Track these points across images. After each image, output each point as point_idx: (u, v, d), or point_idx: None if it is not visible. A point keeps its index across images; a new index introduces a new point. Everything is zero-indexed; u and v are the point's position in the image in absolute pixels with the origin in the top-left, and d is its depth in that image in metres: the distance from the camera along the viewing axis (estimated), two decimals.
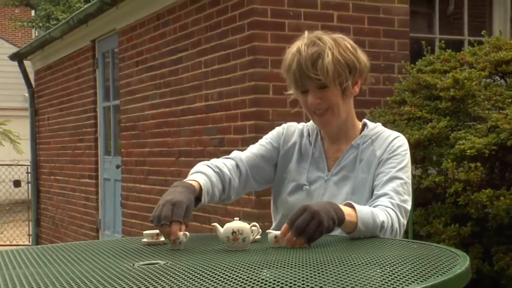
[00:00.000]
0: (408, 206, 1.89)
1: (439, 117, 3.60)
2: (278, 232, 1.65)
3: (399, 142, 1.95)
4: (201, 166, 1.99)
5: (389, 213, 1.82)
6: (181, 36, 5.27)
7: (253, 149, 2.07)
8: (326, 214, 1.62)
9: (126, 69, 6.34)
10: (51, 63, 8.72)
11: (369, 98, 4.38)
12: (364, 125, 2.03)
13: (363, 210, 1.76)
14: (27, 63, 9.54)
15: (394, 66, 4.54)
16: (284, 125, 2.11)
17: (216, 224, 1.73)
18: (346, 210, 1.73)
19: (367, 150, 1.95)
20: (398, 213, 1.84)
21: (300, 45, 1.88)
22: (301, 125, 2.10)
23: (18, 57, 9.45)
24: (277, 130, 2.10)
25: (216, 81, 4.76)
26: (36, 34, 16.90)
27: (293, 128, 2.09)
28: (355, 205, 1.75)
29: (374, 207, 1.84)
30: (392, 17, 4.61)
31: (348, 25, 4.45)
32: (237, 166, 2.01)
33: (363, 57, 1.93)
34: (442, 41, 4.29)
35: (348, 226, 1.73)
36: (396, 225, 1.82)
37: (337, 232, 1.84)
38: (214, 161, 2.01)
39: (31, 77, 9.53)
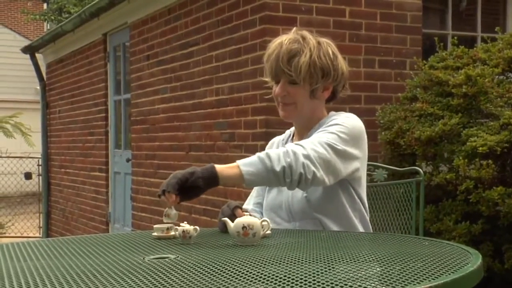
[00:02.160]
0: (325, 139, 1.83)
1: (451, 114, 3.58)
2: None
3: (343, 114, 1.98)
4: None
5: (282, 150, 1.78)
6: (192, 30, 5.26)
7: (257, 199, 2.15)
8: (182, 170, 1.72)
9: (137, 63, 6.35)
10: (63, 56, 8.75)
11: (381, 94, 4.37)
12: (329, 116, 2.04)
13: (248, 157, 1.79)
14: (38, 56, 9.58)
15: (406, 62, 4.52)
16: (268, 145, 2.18)
17: (226, 218, 1.73)
18: (224, 165, 1.76)
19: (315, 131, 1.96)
20: (301, 143, 1.81)
21: (284, 39, 1.96)
22: (287, 131, 2.16)
23: (30, 50, 9.48)
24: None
25: (227, 75, 4.75)
26: (48, 27, 16.95)
27: (275, 142, 2.16)
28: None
29: None
30: (404, 12, 4.58)
31: (360, 21, 4.43)
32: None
33: (342, 65, 1.98)
34: (455, 38, 4.26)
35: (230, 174, 1.73)
36: (292, 147, 1.78)
37: (309, 226, 1.88)
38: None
39: (43, 70, 9.57)
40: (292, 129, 2.14)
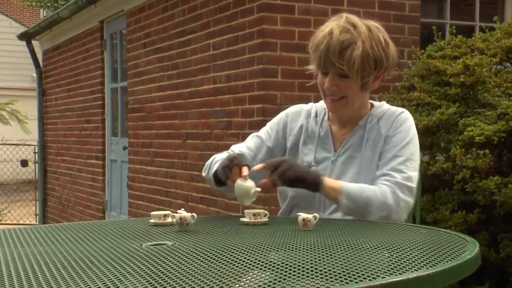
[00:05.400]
0: (412, 183, 1.86)
1: (448, 103, 3.58)
2: (307, 215, 1.65)
3: (403, 117, 1.94)
4: (219, 156, 2.03)
5: (382, 189, 1.82)
6: (189, 18, 5.24)
7: (251, 145, 2.06)
8: (298, 164, 1.83)
9: (134, 51, 6.33)
10: (59, 43, 8.71)
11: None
12: (372, 106, 2.02)
13: (349, 184, 1.83)
14: (35, 43, 9.53)
15: (404, 51, 4.51)
16: (288, 112, 2.08)
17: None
18: (330, 180, 1.83)
19: (373, 129, 1.94)
20: (397, 190, 1.82)
21: (334, 27, 1.83)
22: (310, 105, 2.08)
23: (26, 37, 9.44)
24: (281, 119, 2.07)
25: (224, 63, 4.74)
26: (45, 14, 16.85)
27: (297, 112, 2.07)
28: (343, 182, 1.85)
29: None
30: (403, 1, 4.57)
31: (358, 9, 4.41)
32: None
33: (393, 52, 1.89)
34: (453, 27, 4.24)
35: (330, 194, 1.81)
36: (389, 201, 1.80)
37: (339, 215, 1.86)
38: (222, 154, 2.05)
39: (39, 57, 9.52)
40: (319, 105, 2.04)
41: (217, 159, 1.99)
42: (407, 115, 1.96)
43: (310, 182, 1.80)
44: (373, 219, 1.80)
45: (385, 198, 1.80)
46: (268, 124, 2.09)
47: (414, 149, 1.92)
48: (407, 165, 1.88)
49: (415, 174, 1.89)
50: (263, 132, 2.07)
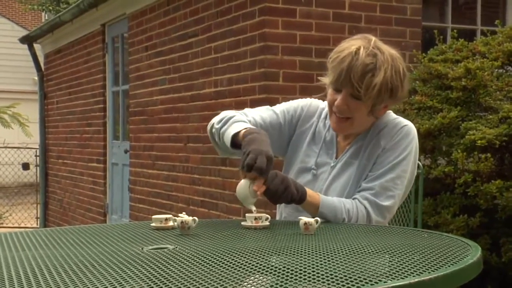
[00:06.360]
0: (392, 202, 1.88)
1: (450, 107, 3.58)
2: (309, 219, 1.65)
3: (404, 131, 1.92)
4: (238, 116, 1.96)
5: (357, 210, 1.86)
6: (191, 21, 5.24)
7: (266, 117, 2.01)
8: (292, 182, 1.81)
9: (136, 54, 6.33)
10: (61, 46, 8.72)
11: None
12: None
13: (329, 199, 1.86)
14: (36, 46, 9.54)
15: (405, 55, 4.51)
16: (307, 103, 2.06)
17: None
18: (310, 191, 1.85)
19: (373, 140, 1.94)
20: (372, 212, 1.86)
21: (360, 47, 1.81)
22: (324, 104, 2.05)
23: (28, 40, 9.45)
24: (299, 107, 2.04)
25: (226, 67, 4.74)
26: (46, 18, 16.88)
27: (314, 108, 2.05)
28: (321, 195, 1.88)
29: (353, 198, 1.89)
30: (404, 5, 4.57)
31: (360, 13, 4.42)
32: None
33: (407, 85, 1.89)
34: (455, 31, 4.25)
35: (309, 209, 1.85)
36: (360, 222, 1.85)
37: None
38: (240, 116, 1.97)
39: (41, 60, 9.54)
40: (326, 110, 2.02)
41: (237, 119, 1.92)
42: (409, 129, 1.93)
43: (296, 202, 1.84)
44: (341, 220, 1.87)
45: (357, 219, 1.86)
46: (285, 105, 2.06)
47: (407, 167, 1.91)
48: (396, 182, 1.88)
49: (399, 193, 1.90)
50: (279, 109, 2.04)
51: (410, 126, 1.94)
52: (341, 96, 1.84)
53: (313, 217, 1.75)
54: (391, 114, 1.99)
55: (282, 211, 2.04)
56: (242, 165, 1.73)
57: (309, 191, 1.85)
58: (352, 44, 1.82)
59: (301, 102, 2.07)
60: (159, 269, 1.23)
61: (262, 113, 2.02)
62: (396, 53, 1.87)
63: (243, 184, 1.76)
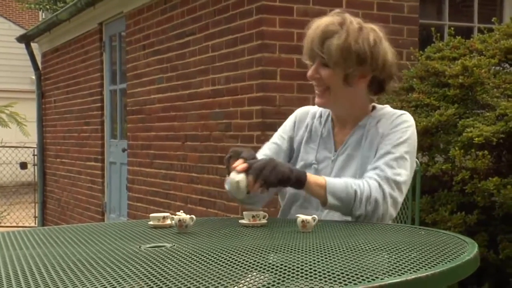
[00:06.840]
0: (401, 178, 1.86)
1: (447, 104, 3.58)
2: (306, 217, 1.65)
3: (402, 118, 1.95)
4: None
5: (368, 183, 1.82)
6: (188, 20, 5.24)
7: (268, 152, 2.07)
8: (282, 164, 1.80)
9: (133, 53, 6.33)
10: (58, 45, 8.71)
11: None
12: (374, 108, 2.03)
13: (335, 180, 1.84)
14: (34, 45, 9.53)
15: (402, 53, 4.51)
16: (297, 112, 2.13)
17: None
18: (313, 176, 1.84)
19: (372, 130, 1.96)
20: (384, 184, 1.83)
21: (324, 20, 1.91)
22: (314, 107, 2.10)
23: (25, 39, 9.44)
24: (290, 121, 2.12)
25: (223, 65, 4.74)
26: (43, 16, 16.86)
27: (305, 112, 2.11)
28: (327, 177, 1.85)
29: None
30: (401, 3, 4.57)
31: (357, 11, 4.41)
32: None
33: (385, 54, 1.91)
34: (452, 28, 4.25)
35: (315, 190, 1.81)
36: (376, 195, 1.81)
37: (337, 216, 1.86)
38: None
39: (38, 59, 9.53)
40: (324, 110, 2.07)
41: None
42: (407, 117, 1.97)
43: (294, 181, 1.80)
44: (360, 213, 1.81)
45: (370, 191, 1.81)
46: (279, 130, 2.13)
47: (408, 149, 1.92)
48: (399, 162, 1.88)
49: (405, 172, 1.88)
50: (276, 137, 2.11)
51: (408, 115, 1.98)
52: (313, 67, 1.92)
53: (323, 201, 1.78)
54: (388, 108, 2.02)
55: (287, 211, 2.03)
56: (226, 158, 1.82)
57: (310, 174, 1.84)
58: (317, 21, 1.93)
59: (291, 116, 2.14)
60: (156, 267, 1.23)
61: (264, 151, 2.08)
62: (374, 26, 1.93)
63: (230, 177, 1.77)
